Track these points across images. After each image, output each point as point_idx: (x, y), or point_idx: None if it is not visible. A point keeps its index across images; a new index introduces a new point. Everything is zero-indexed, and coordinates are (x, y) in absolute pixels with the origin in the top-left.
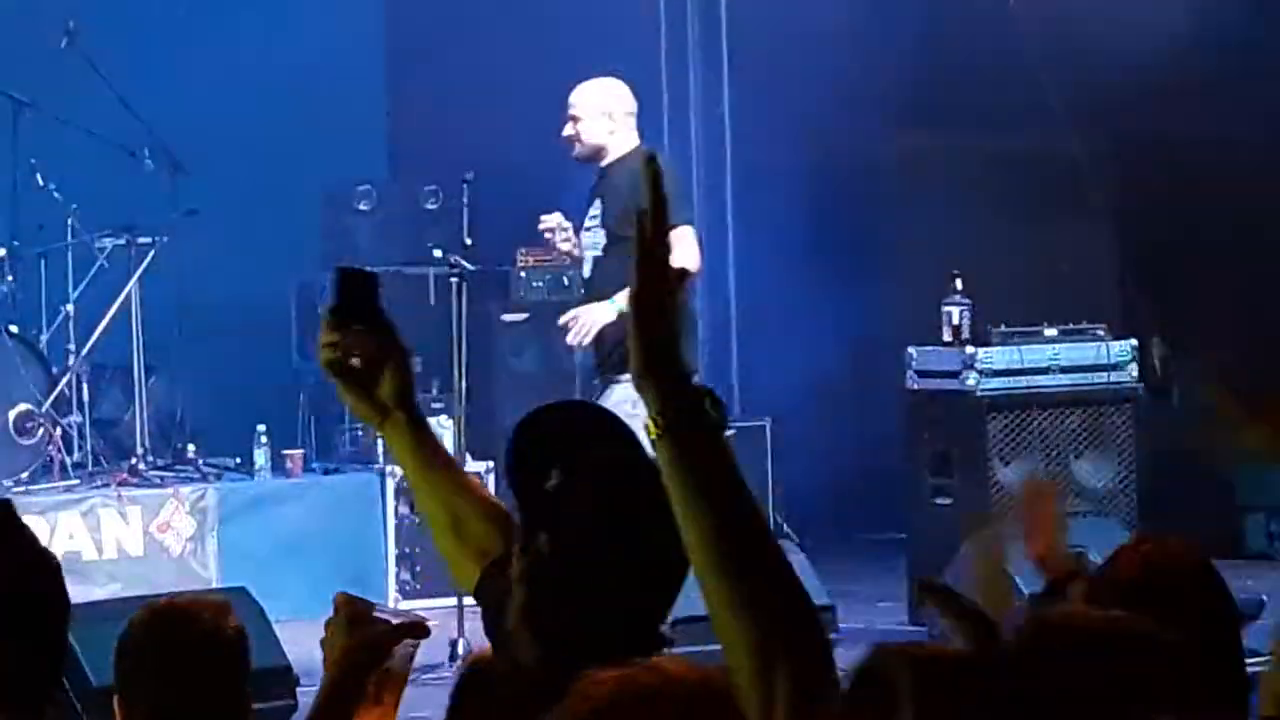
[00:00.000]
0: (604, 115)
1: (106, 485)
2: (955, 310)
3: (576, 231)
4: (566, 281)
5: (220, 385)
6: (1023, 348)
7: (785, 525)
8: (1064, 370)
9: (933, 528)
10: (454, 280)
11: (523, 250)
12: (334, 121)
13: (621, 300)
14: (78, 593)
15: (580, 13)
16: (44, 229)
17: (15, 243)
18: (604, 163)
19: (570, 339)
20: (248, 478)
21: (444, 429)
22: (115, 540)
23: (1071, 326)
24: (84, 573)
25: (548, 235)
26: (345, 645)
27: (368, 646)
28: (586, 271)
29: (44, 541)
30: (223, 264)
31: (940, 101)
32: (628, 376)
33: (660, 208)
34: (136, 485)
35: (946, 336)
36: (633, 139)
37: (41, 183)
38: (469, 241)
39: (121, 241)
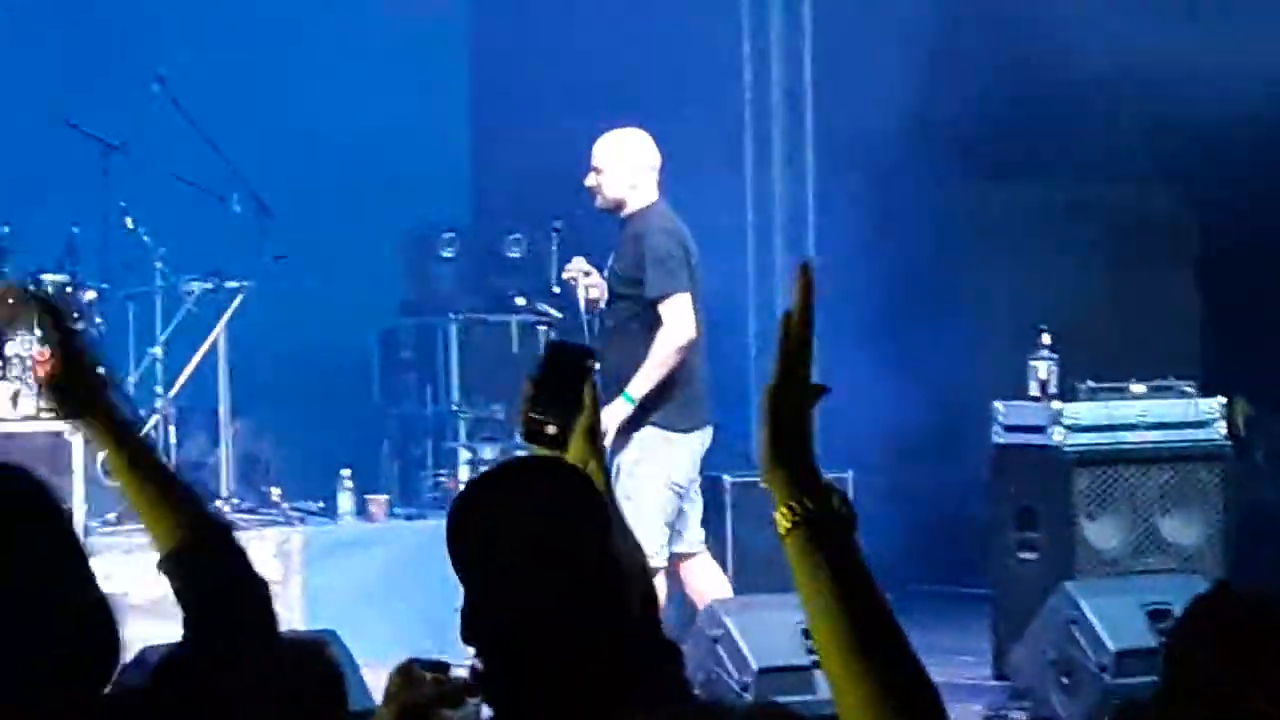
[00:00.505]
0: (625, 168)
1: None
2: (1042, 365)
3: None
4: None
5: (304, 429)
6: (1110, 403)
7: None
8: (1151, 427)
9: (1017, 582)
10: (541, 329)
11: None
12: (418, 166)
13: (634, 393)
14: (166, 633)
15: (666, 61)
16: (132, 272)
17: (104, 285)
18: (624, 214)
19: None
20: (332, 522)
21: None
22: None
23: (1159, 383)
24: (172, 614)
25: (572, 282)
26: (396, 707)
27: (413, 708)
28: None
29: (129, 584)
30: (308, 308)
31: (1024, 151)
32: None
33: (806, 312)
34: None
35: (1033, 391)
36: (653, 193)
37: (131, 226)
38: (557, 290)
39: (209, 285)
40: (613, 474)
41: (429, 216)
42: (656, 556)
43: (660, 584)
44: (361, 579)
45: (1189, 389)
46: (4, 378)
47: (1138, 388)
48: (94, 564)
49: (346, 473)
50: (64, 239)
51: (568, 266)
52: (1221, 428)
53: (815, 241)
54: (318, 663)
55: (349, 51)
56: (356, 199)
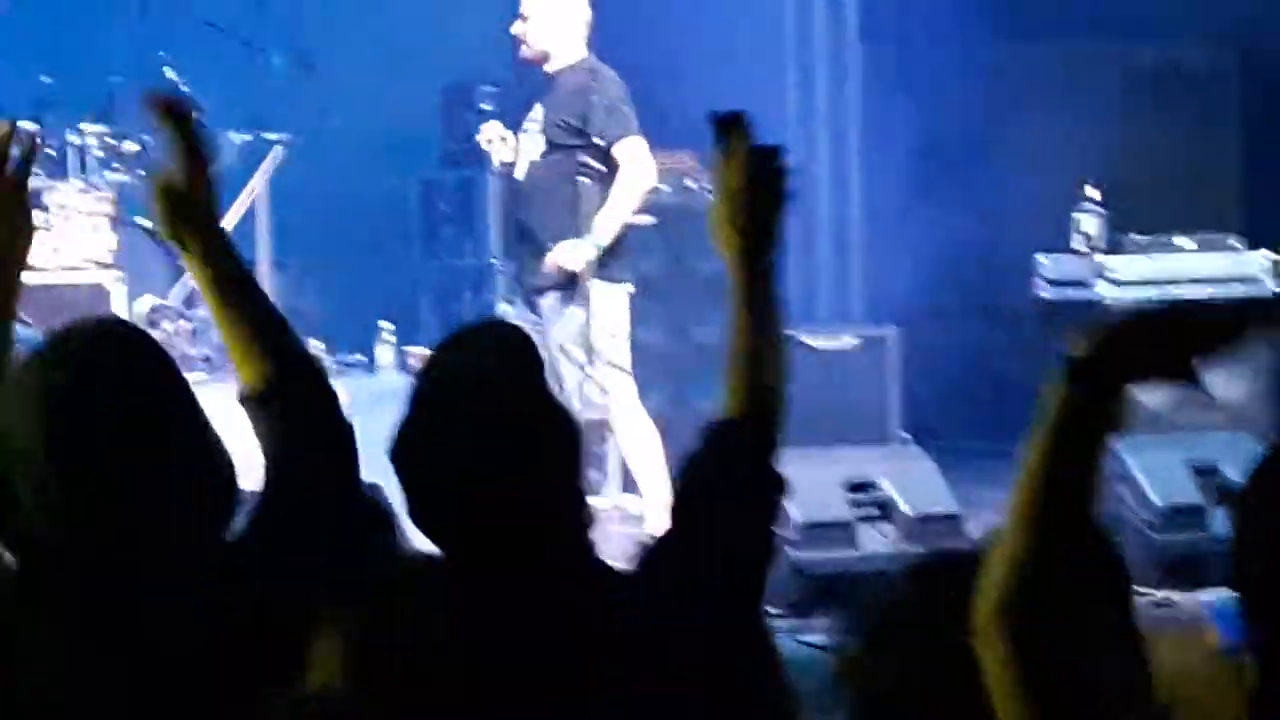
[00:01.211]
0: (554, 19)
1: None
2: (1087, 218)
3: (514, 131)
4: (694, 186)
5: (345, 282)
6: (1156, 257)
7: (912, 436)
8: (1198, 281)
9: None
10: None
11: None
12: (461, 20)
13: (602, 238)
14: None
15: None
16: None
17: (145, 137)
18: (550, 69)
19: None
20: (371, 374)
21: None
22: (241, 434)
23: (1206, 235)
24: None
25: (487, 146)
26: None
27: None
28: (520, 173)
29: None
30: (348, 161)
31: (1068, 8)
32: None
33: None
34: None
35: (1078, 244)
36: (581, 49)
37: (171, 77)
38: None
39: (248, 137)
40: (576, 326)
41: (469, 69)
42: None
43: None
44: None
45: (1236, 243)
46: (46, 227)
47: (1185, 242)
48: None
49: (387, 325)
50: (104, 90)
51: (483, 129)
52: (1270, 283)
53: (860, 97)
54: (377, 509)
55: None
56: (397, 50)
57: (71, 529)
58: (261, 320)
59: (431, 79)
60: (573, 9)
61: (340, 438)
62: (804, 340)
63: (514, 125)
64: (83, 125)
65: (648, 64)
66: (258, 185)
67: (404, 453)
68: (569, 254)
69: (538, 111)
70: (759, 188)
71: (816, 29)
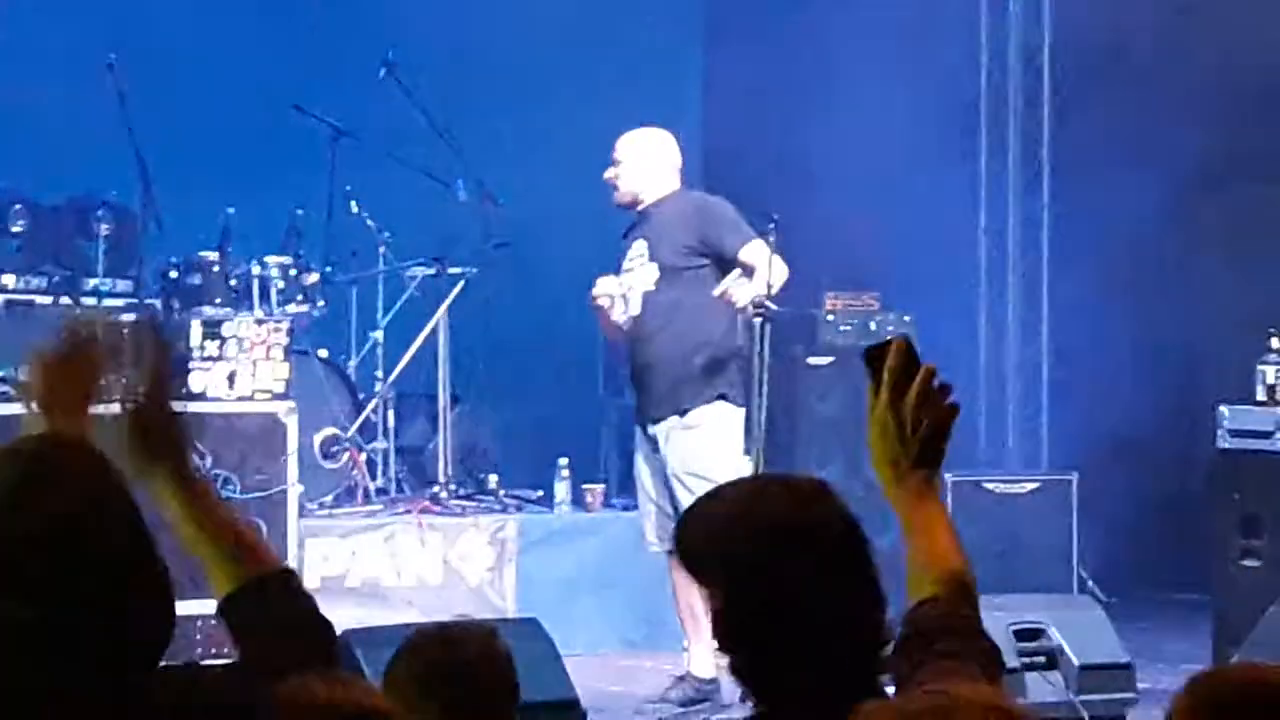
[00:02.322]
0: (646, 164)
1: (408, 512)
2: (1271, 370)
3: (615, 272)
4: (874, 327)
5: (524, 417)
6: None
7: (1090, 581)
8: None
9: (1239, 590)
10: (758, 322)
11: (831, 294)
12: None
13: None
14: (377, 616)
15: (904, 57)
16: (356, 256)
17: (328, 268)
18: (642, 206)
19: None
20: (548, 510)
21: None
22: (414, 567)
23: None
24: (383, 597)
25: (605, 304)
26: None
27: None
28: (636, 308)
29: (344, 566)
30: (531, 297)
31: (1259, 154)
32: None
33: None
34: (438, 514)
35: (1261, 396)
36: (675, 183)
37: (356, 210)
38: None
39: (432, 271)
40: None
41: None
42: None
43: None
44: (575, 569)
45: None
46: (220, 358)
47: None
48: (310, 546)
49: (564, 461)
50: (287, 222)
51: (599, 283)
52: None
53: (1049, 244)
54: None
55: (579, 43)
56: (580, 190)
57: None
58: (227, 535)
59: (617, 219)
60: (663, 154)
61: (315, 634)
62: (985, 485)
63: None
64: (266, 257)
65: (841, 216)
66: (439, 318)
67: None
68: (738, 288)
69: (641, 246)
70: (915, 415)
71: (1011, 171)
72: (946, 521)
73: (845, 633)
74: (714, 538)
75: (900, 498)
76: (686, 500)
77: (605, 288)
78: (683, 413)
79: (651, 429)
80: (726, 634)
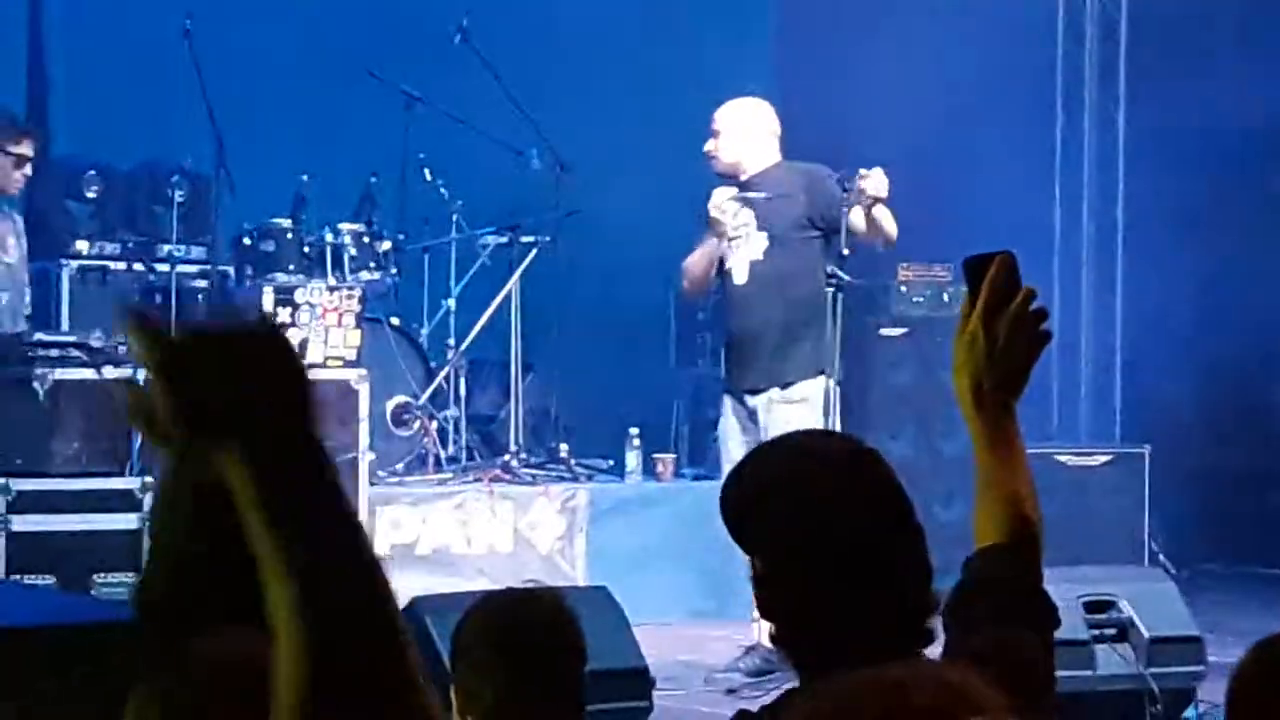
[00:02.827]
0: (745, 133)
1: (479, 480)
2: None
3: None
4: (947, 298)
5: (596, 386)
6: None
7: (1161, 554)
8: None
9: None
10: (830, 291)
11: (904, 265)
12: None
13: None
14: (446, 584)
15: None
16: (429, 224)
17: (401, 236)
18: (744, 177)
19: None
20: (618, 479)
21: None
22: (485, 535)
23: None
24: (454, 565)
25: (719, 216)
26: None
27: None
28: (743, 278)
29: (415, 534)
30: (604, 266)
31: None
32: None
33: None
34: (508, 482)
35: None
36: (775, 154)
37: (429, 178)
38: (847, 253)
39: (504, 239)
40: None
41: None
42: None
43: None
44: (645, 538)
45: None
46: (293, 325)
47: None
48: (381, 513)
49: (635, 431)
50: (361, 189)
51: (716, 195)
52: None
53: (1124, 217)
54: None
55: (653, 19)
56: (654, 157)
57: None
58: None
59: (689, 188)
60: (763, 122)
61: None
62: (1057, 458)
63: None
64: (340, 224)
65: (916, 188)
66: (512, 287)
67: None
68: (875, 181)
69: (747, 215)
70: (1009, 335)
71: (1087, 141)
72: (1023, 463)
73: (891, 601)
74: (755, 503)
75: (978, 421)
76: None
77: (723, 198)
78: (785, 385)
79: (751, 400)
80: (768, 602)
